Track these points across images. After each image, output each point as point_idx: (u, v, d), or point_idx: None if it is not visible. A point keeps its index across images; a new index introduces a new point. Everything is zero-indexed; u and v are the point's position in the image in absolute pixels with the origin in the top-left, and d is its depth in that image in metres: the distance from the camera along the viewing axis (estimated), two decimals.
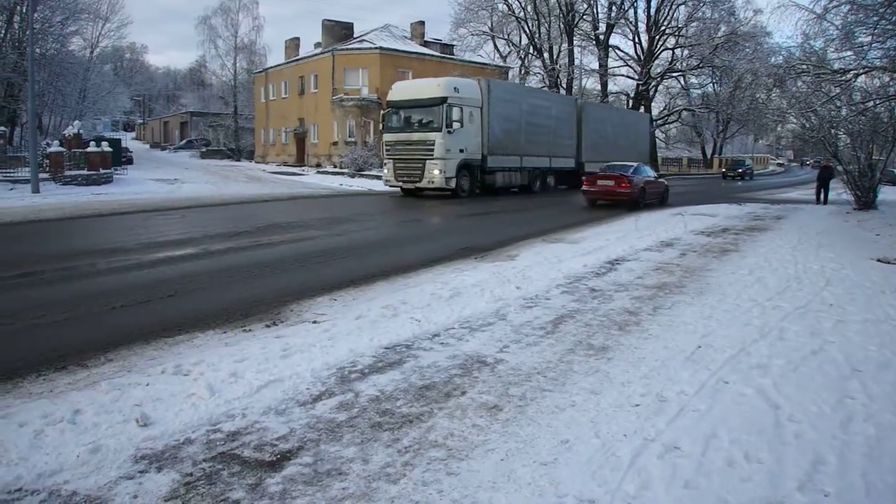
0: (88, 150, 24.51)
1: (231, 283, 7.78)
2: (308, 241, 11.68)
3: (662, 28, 48.02)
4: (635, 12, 49.97)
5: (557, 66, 47.79)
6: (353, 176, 33.53)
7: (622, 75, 52.06)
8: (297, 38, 49.96)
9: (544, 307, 6.71)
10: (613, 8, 47.30)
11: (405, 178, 21.72)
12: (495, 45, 52.35)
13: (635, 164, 22.21)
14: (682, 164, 70.80)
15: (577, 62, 48.63)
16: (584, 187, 20.15)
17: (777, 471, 3.34)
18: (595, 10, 47.99)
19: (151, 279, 7.95)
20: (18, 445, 3.42)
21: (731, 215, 17.84)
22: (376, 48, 38.75)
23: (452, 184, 20.96)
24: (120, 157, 30.72)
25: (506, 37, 51.35)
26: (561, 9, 45.85)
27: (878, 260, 10.22)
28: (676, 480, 3.21)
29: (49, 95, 33.94)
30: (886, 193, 21.57)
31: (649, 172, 21.99)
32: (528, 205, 20.44)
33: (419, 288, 7.47)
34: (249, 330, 5.78)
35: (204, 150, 53.29)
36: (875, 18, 16.10)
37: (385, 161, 22.81)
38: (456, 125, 20.75)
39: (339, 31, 43.90)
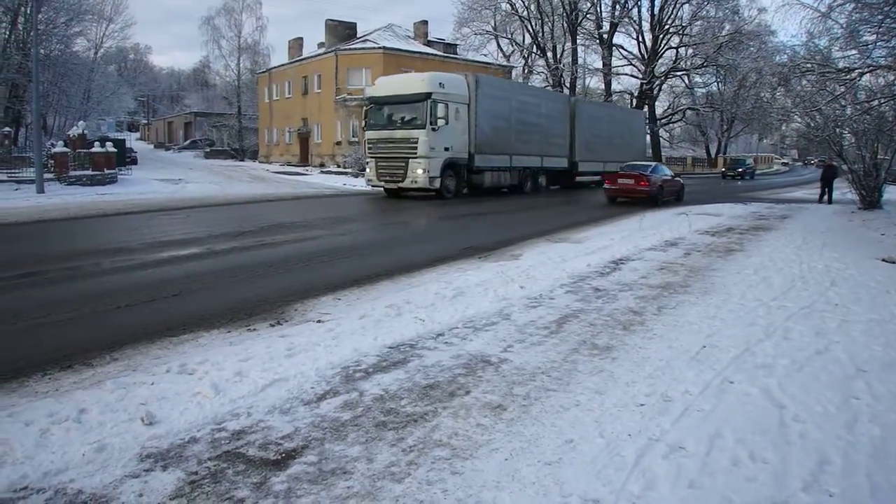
0: (93, 150, 24.57)
1: (235, 283, 7.80)
2: (312, 240, 11.69)
3: (666, 27, 47.95)
4: (639, 11, 49.87)
5: (561, 66, 47.74)
6: (356, 176, 33.51)
7: (626, 74, 52.07)
8: (301, 38, 50.06)
9: (548, 307, 6.71)
10: (617, 7, 47.31)
11: (387, 178, 20.77)
12: (499, 45, 52.39)
13: (653, 163, 24.68)
14: (686, 164, 70.67)
15: (580, 61, 48.63)
16: (605, 185, 21.87)
17: (782, 471, 3.34)
18: (599, 9, 48.01)
19: (156, 279, 7.97)
20: (24, 444, 3.43)
21: (735, 215, 17.80)
22: (379, 48, 38.78)
23: (437, 184, 20.06)
24: (124, 157, 30.80)
25: (509, 36, 51.38)
26: (564, 8, 45.82)
27: (884, 260, 10.19)
28: (681, 480, 3.21)
29: (53, 96, 34.02)
30: (891, 193, 21.47)
31: (666, 171, 23.41)
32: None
33: (423, 287, 7.47)
34: (254, 329, 5.79)
35: (208, 150, 53.40)
36: (880, 17, 16.05)
37: (367, 160, 21.96)
38: (441, 122, 19.82)
39: (342, 31, 43.95)
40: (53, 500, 2.99)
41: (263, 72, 51.63)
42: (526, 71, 50.83)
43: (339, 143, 40.01)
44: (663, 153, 55.52)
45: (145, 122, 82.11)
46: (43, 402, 4.00)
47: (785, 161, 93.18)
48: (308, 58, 45.43)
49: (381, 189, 21.80)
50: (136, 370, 4.63)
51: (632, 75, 51.46)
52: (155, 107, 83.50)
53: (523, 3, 48.02)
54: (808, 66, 21.08)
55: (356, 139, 38.60)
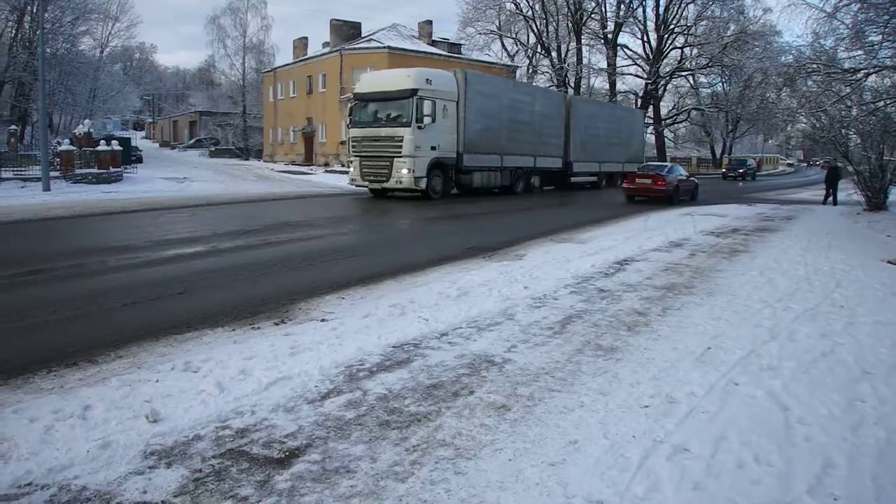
0: (98, 148, 24.62)
1: (240, 281, 7.81)
2: (316, 239, 11.70)
3: (671, 27, 47.83)
4: (644, 11, 49.78)
5: (565, 66, 47.69)
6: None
7: (631, 74, 51.90)
8: (306, 38, 50.15)
9: (552, 307, 6.70)
10: (622, 6, 47.20)
11: (371, 178, 19.96)
12: (503, 45, 52.37)
13: (669, 164, 26.50)
14: (691, 164, 70.47)
15: (585, 61, 48.56)
16: (624, 184, 23.19)
17: (787, 473, 3.32)
18: (603, 9, 47.92)
19: (161, 277, 7.99)
20: (29, 440, 3.44)
21: (740, 216, 17.77)
22: (384, 47, 38.81)
23: (423, 184, 19.23)
24: (130, 155, 30.89)
25: (514, 36, 51.32)
26: (569, 7, 45.77)
27: (889, 262, 10.16)
28: (685, 482, 3.20)
29: (60, 95, 34.17)
30: None
31: (681, 172, 24.41)
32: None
33: (427, 287, 7.47)
34: (258, 328, 5.80)
35: (213, 149, 53.50)
36: (886, 17, 16.00)
37: (351, 158, 21.04)
38: (427, 120, 18.99)
39: (346, 31, 44.01)
40: (57, 497, 2.99)
41: (268, 71, 51.73)
42: (530, 71, 50.78)
43: (343, 143, 39.93)
44: (668, 153, 55.42)
45: (151, 120, 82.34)
46: (48, 398, 4.01)
47: (790, 162, 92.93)
48: (313, 57, 45.49)
49: (366, 189, 21.14)
50: (141, 368, 4.64)
51: (636, 75, 51.34)
52: (160, 106, 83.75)
53: (528, 2, 48.02)
54: (814, 66, 21.02)
55: None
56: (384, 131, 19.45)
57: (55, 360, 4.75)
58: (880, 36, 16.95)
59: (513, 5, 48.48)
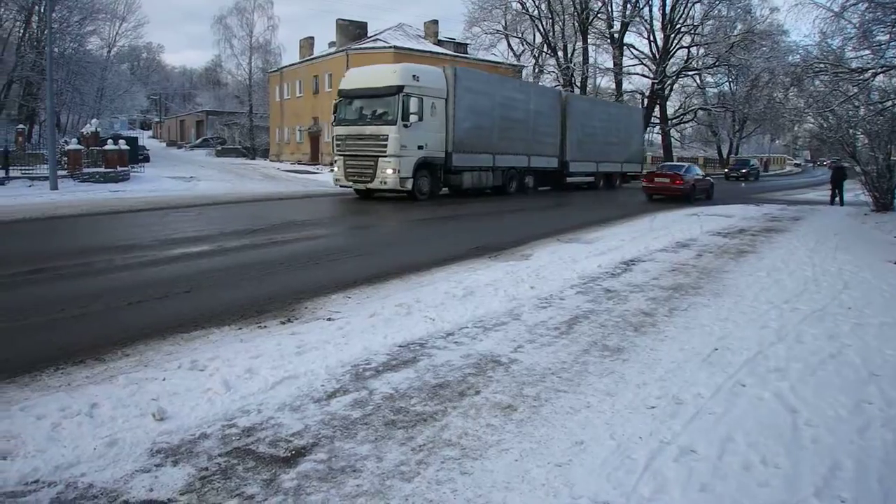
0: (106, 147, 24.75)
1: (246, 280, 7.83)
2: (322, 238, 11.72)
3: (678, 26, 47.64)
4: (650, 10, 49.48)
5: (572, 65, 47.57)
6: None
7: (637, 74, 51.74)
8: (312, 38, 50.20)
9: (559, 307, 6.69)
10: (628, 6, 47.05)
11: (356, 178, 19.22)
12: (509, 44, 52.26)
13: (686, 164, 27.58)
14: (697, 164, 70.26)
15: (591, 61, 48.46)
16: (643, 183, 24.84)
17: (794, 475, 3.31)
18: (610, 9, 47.74)
19: (168, 275, 8.02)
20: (36, 438, 3.45)
21: (747, 216, 17.71)
22: (390, 47, 38.80)
23: (409, 185, 18.55)
24: (137, 154, 31.01)
25: (520, 35, 51.24)
26: (575, 7, 45.66)
27: None
28: (692, 484, 3.19)
29: (67, 94, 34.32)
30: None
31: (698, 171, 26.01)
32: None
33: (433, 286, 7.47)
34: (264, 326, 5.81)
35: (219, 148, 53.62)
36: (893, 17, 15.94)
37: (335, 158, 20.33)
38: (414, 118, 18.26)
39: (353, 31, 44.03)
40: (64, 494, 3.00)
41: (275, 71, 51.80)
42: (536, 70, 50.71)
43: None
44: (675, 153, 55.25)
45: (157, 120, 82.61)
46: (55, 396, 4.02)
47: (798, 162, 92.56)
48: (319, 57, 45.53)
49: (351, 190, 20.44)
50: (148, 366, 4.66)
51: (643, 75, 51.17)
52: (167, 105, 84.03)
53: (534, 2, 47.91)
54: (821, 66, 20.96)
55: None
56: (369, 129, 18.74)
57: (62, 358, 4.77)
58: (888, 36, 16.90)
59: (519, 5, 48.45)
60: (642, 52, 50.47)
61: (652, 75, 48.41)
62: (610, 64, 49.26)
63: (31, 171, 22.44)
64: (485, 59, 45.13)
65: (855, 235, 14.01)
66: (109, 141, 25.67)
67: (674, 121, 54.35)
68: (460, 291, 7.12)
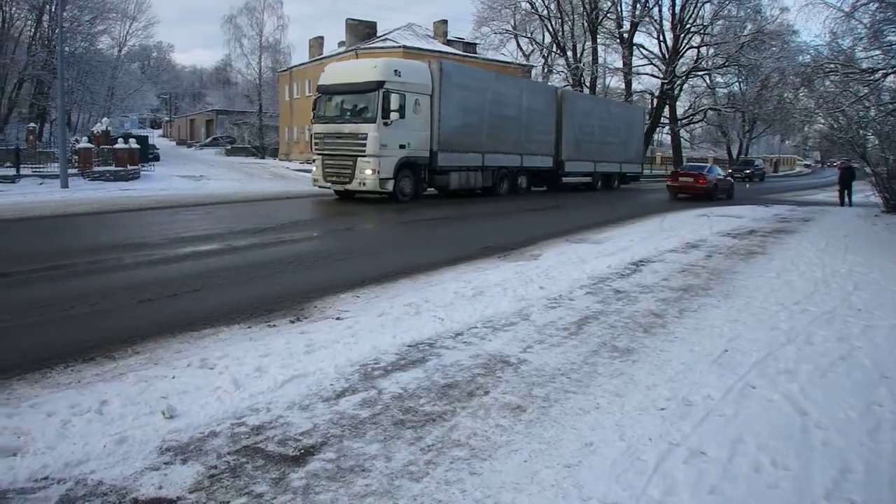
0: (116, 146, 24.89)
1: (255, 279, 7.85)
2: (331, 237, 11.74)
3: (687, 26, 47.43)
4: (660, 10, 49.21)
5: (581, 65, 47.46)
6: None
7: (647, 74, 51.54)
8: (321, 37, 50.30)
9: (568, 308, 6.68)
10: (638, 6, 46.87)
11: (334, 179, 18.19)
12: (518, 44, 52.14)
13: (708, 165, 29.84)
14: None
15: (600, 61, 48.30)
16: (668, 183, 26.49)
17: (804, 478, 3.29)
18: (619, 8, 47.55)
19: (177, 274, 8.05)
20: (46, 435, 3.47)
21: (757, 217, 17.62)
22: (399, 47, 38.79)
23: (389, 186, 17.51)
24: (147, 153, 31.18)
25: (529, 35, 51.09)
26: (584, 7, 45.53)
27: None
28: (702, 486, 3.17)
29: (78, 93, 34.52)
30: None
31: (719, 172, 27.83)
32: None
33: (442, 286, 7.47)
34: (274, 325, 5.82)
35: (229, 147, 53.81)
36: None
37: (313, 157, 19.26)
38: (395, 115, 17.17)
39: (362, 30, 44.09)
40: (74, 491, 3.01)
41: (284, 70, 51.93)
42: (546, 70, 50.63)
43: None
44: (684, 154, 55.03)
45: (168, 119, 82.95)
46: (65, 393, 4.05)
47: (808, 163, 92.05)
48: (328, 57, 45.52)
49: (331, 191, 19.47)
50: (158, 364, 4.67)
51: (652, 75, 50.94)
52: (177, 104, 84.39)
53: (543, 2, 47.75)
54: (832, 66, 20.84)
55: None
56: (348, 128, 17.72)
57: (72, 356, 4.80)
58: None
59: (528, 4, 48.28)
60: (652, 52, 50.29)
61: (661, 75, 48.22)
62: (619, 64, 49.13)
63: (41, 170, 22.57)
64: (494, 58, 45.06)
65: (865, 237, 13.91)
66: (120, 140, 25.84)
67: (683, 121, 54.12)
68: (469, 291, 7.11)
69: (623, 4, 47.46)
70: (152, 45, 71.12)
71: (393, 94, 17.24)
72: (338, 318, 6.03)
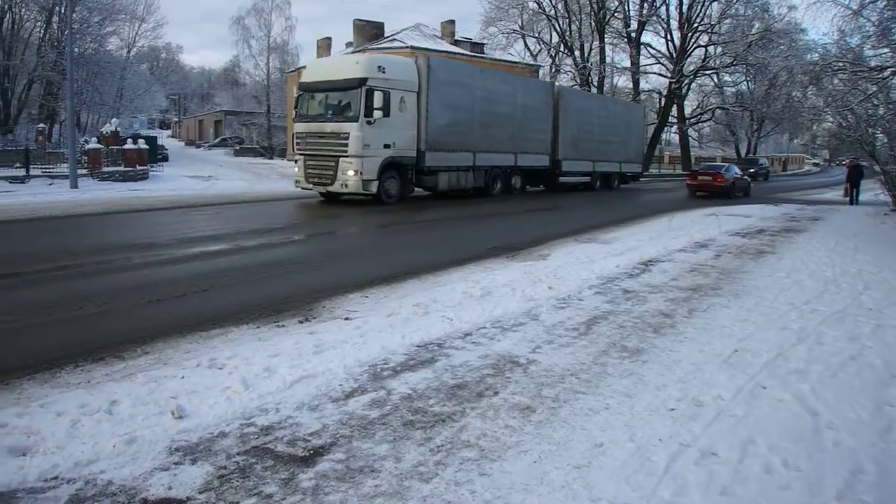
0: (125, 147, 24.99)
1: (264, 279, 7.86)
2: (340, 237, 11.75)
3: (695, 25, 47.29)
4: (667, 9, 49.15)
5: (588, 64, 47.41)
6: None
7: (654, 73, 51.43)
8: (329, 38, 50.31)
9: (577, 308, 6.66)
10: (645, 5, 46.78)
11: (316, 180, 17.29)
12: (525, 44, 52.12)
13: (726, 164, 31.72)
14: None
15: (608, 60, 48.23)
16: (687, 181, 27.70)
17: (815, 479, 3.27)
18: (626, 8, 47.53)
19: (186, 274, 8.07)
20: (56, 434, 3.49)
21: (765, 216, 17.52)
22: (407, 47, 38.75)
23: (373, 188, 16.71)
24: (156, 154, 31.27)
25: (536, 35, 51.07)
26: (592, 6, 45.47)
27: None
28: (713, 487, 3.15)
29: (87, 94, 34.66)
30: None
31: (737, 171, 28.82)
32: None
33: (450, 286, 7.46)
34: (282, 325, 5.83)
35: (237, 147, 53.91)
36: None
37: (295, 157, 18.40)
38: (378, 114, 16.33)
39: (370, 31, 44.08)
40: (83, 491, 3.02)
41: (292, 71, 51.92)
42: (553, 70, 50.55)
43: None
44: (692, 153, 54.85)
45: (176, 119, 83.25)
46: (75, 393, 4.06)
47: (816, 161, 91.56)
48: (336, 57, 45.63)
49: (314, 193, 18.52)
50: (167, 364, 4.68)
51: (660, 74, 50.82)
52: (186, 105, 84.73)
53: (550, 1, 47.74)
54: (840, 64, 20.76)
55: None
56: (329, 127, 16.91)
57: (82, 356, 4.81)
58: None
59: (535, 4, 48.27)
60: (659, 52, 50.19)
61: (669, 74, 48.08)
62: (627, 63, 49.07)
63: (51, 170, 22.68)
64: (501, 58, 45.01)
65: (875, 236, 13.82)
66: (129, 140, 25.93)
67: (691, 120, 54.00)
68: (478, 291, 7.10)
69: (630, 4, 47.49)
70: (161, 47, 71.38)
71: (376, 92, 16.45)
72: (347, 319, 6.03)
